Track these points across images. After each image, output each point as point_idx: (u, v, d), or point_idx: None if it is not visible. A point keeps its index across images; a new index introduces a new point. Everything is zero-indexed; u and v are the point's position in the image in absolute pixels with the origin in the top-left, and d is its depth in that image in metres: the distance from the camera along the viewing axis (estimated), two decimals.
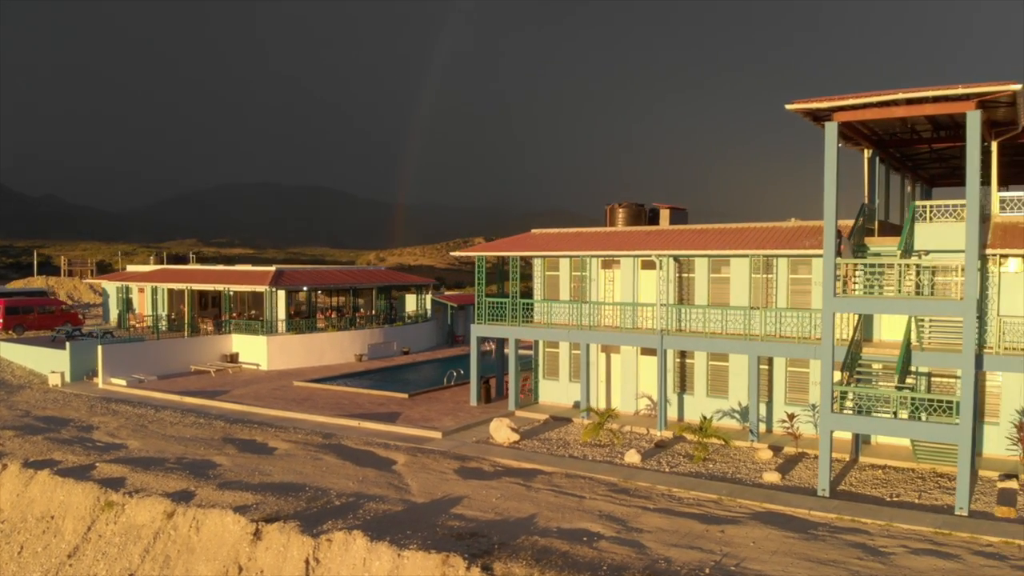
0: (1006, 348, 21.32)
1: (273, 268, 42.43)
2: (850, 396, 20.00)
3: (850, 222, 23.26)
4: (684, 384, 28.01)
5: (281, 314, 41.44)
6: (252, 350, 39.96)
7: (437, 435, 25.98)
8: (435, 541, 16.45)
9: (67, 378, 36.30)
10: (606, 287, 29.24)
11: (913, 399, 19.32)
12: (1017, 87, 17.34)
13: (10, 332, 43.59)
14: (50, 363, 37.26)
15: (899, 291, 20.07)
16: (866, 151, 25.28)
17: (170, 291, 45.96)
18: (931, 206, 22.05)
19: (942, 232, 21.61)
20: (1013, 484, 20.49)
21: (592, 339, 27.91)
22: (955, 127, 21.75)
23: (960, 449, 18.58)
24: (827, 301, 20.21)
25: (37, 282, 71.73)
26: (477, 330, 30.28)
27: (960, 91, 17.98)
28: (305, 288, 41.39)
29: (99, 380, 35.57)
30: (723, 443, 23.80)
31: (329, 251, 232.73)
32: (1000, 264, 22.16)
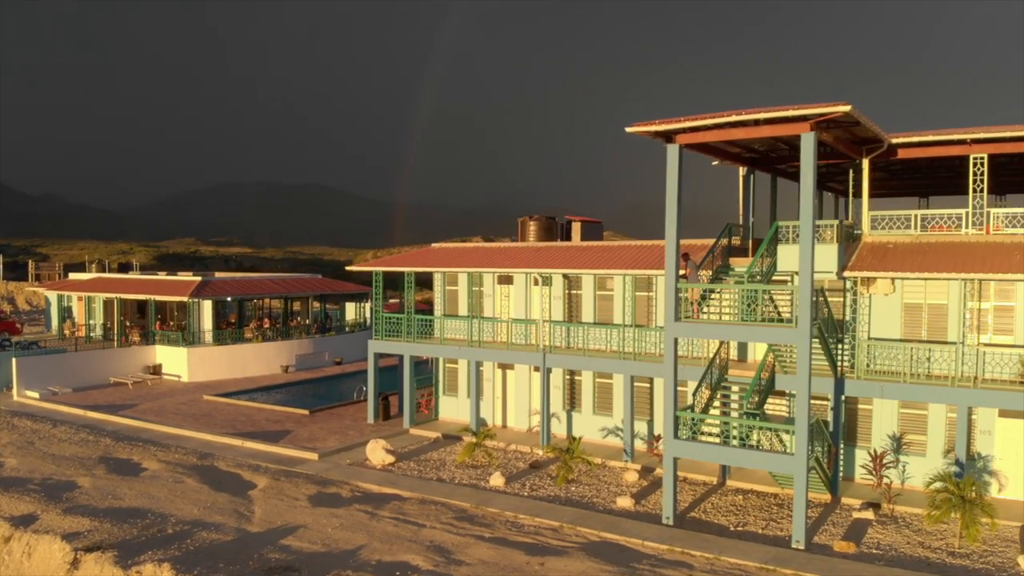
0: (874, 372, 20.89)
1: (198, 278, 42.20)
2: (689, 422, 19.62)
3: (723, 240, 22.92)
4: (573, 401, 27.69)
5: (208, 324, 41.25)
6: (174, 362, 39.81)
7: (314, 457, 25.72)
8: (242, 575, 16.22)
9: None
10: (502, 303, 28.92)
11: (749, 427, 18.94)
12: (847, 108, 16.93)
13: None
14: None
15: (746, 315, 19.60)
16: (741, 169, 24.88)
17: (106, 301, 45.80)
18: (792, 226, 21.67)
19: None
20: (869, 514, 20.09)
21: (479, 356, 27.61)
22: (823, 144, 21.20)
23: (795, 481, 18.21)
24: (669, 326, 19.86)
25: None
26: (374, 346, 30.01)
27: (792, 113, 17.60)
28: (229, 298, 41.17)
29: (14, 392, 35.44)
30: (588, 465, 23.39)
31: (328, 250, 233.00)
32: (869, 286, 21.72)
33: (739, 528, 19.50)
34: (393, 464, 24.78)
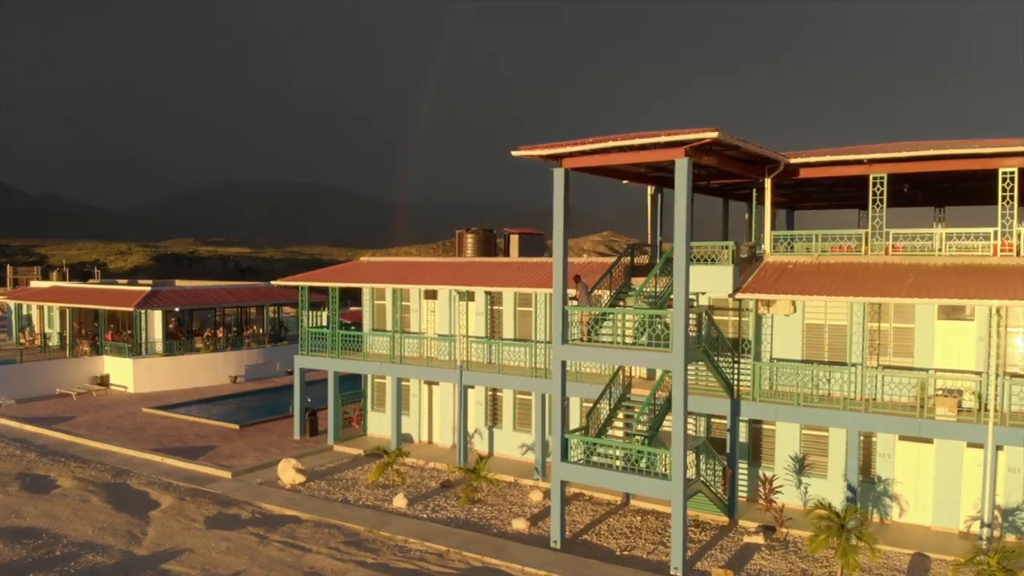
0: (774, 393, 20.81)
1: (147, 288, 42.34)
2: (576, 444, 19.63)
3: (624, 259, 22.89)
4: (495, 417, 27.71)
5: (158, 335, 41.40)
6: (121, 373, 40.00)
7: (227, 475, 25.81)
8: None
9: None
10: (427, 318, 28.94)
11: (634, 450, 18.93)
12: (714, 134, 16.88)
13: None
14: None
15: (632, 338, 19.55)
16: (649, 188, 24.86)
17: (61, 310, 46.00)
18: (694, 247, 21.64)
19: (706, 274, 21.24)
20: (760, 539, 20.06)
21: (400, 372, 27.66)
22: (742, 160, 21.09)
23: (673, 507, 18.17)
24: (556, 349, 19.86)
25: None
26: (300, 361, 30.08)
27: (664, 139, 17.57)
28: (178, 308, 41.31)
29: None
30: (492, 485, 23.37)
31: (328, 250, 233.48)
32: (769, 306, 21.66)
33: (625, 552, 19.50)
34: (303, 484, 24.83)
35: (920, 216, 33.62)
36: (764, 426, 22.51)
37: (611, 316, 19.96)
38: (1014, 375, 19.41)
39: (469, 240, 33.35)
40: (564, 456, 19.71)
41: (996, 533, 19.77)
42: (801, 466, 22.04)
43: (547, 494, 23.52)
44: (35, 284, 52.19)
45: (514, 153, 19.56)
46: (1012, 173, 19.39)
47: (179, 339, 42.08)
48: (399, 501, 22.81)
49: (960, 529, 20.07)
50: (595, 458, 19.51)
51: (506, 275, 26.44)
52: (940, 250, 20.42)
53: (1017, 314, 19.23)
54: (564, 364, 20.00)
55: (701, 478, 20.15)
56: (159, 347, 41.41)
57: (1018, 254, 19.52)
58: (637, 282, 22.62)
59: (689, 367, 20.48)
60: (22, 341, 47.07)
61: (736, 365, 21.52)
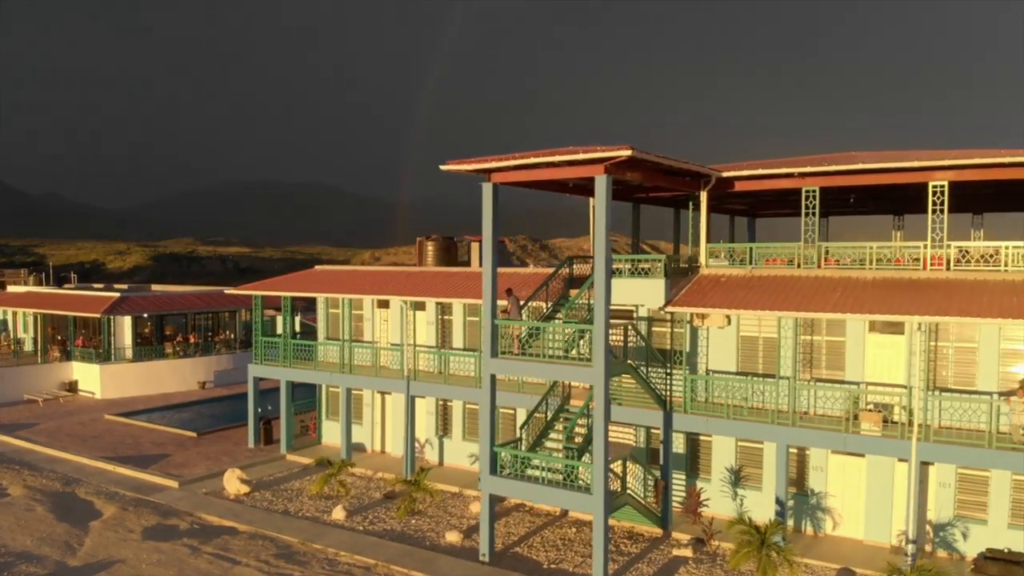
0: (711, 405, 20.84)
1: (117, 294, 42.55)
2: (504, 456, 19.74)
3: (563, 271, 22.98)
4: (446, 427, 27.83)
5: (127, 340, 41.60)
6: (89, 378, 40.22)
7: (174, 485, 25.98)
8: None
9: None
10: (380, 327, 29.07)
11: (551, 464, 19.03)
12: (628, 152, 16.99)
13: None
14: None
15: (568, 351, 19.64)
16: (591, 200, 24.94)
17: (35, 315, 46.24)
18: (623, 259, 21.75)
19: (639, 286, 21.36)
20: (689, 552, 20.15)
21: (350, 382, 27.79)
22: (671, 174, 21.11)
23: (594, 521, 18.27)
24: (485, 362, 19.98)
25: None
26: (253, 370, 30.23)
27: (582, 156, 17.67)
28: (146, 315, 41.52)
29: None
30: (431, 496, 23.45)
31: (327, 249, 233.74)
32: (704, 319, 21.72)
33: (553, 566, 19.60)
34: (247, 494, 24.97)
35: (881, 224, 33.74)
36: (701, 438, 22.59)
37: (541, 329, 20.04)
38: (944, 390, 19.47)
39: (429, 248, 33.47)
40: (493, 469, 19.83)
41: (928, 548, 19.88)
42: (737, 478, 22.12)
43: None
44: (12, 289, 52.43)
45: (442, 167, 19.69)
46: (941, 187, 19.45)
47: (150, 345, 42.26)
48: (338, 513, 22.93)
49: (892, 543, 20.12)
50: (528, 471, 19.60)
51: (455, 285, 26.54)
52: (870, 264, 20.46)
53: (947, 329, 19.26)
54: (494, 378, 20.10)
55: (629, 490, 20.25)
56: (128, 353, 41.60)
57: (948, 268, 19.55)
58: (575, 294, 22.72)
59: (622, 379, 20.65)
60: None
61: (669, 377, 21.60)
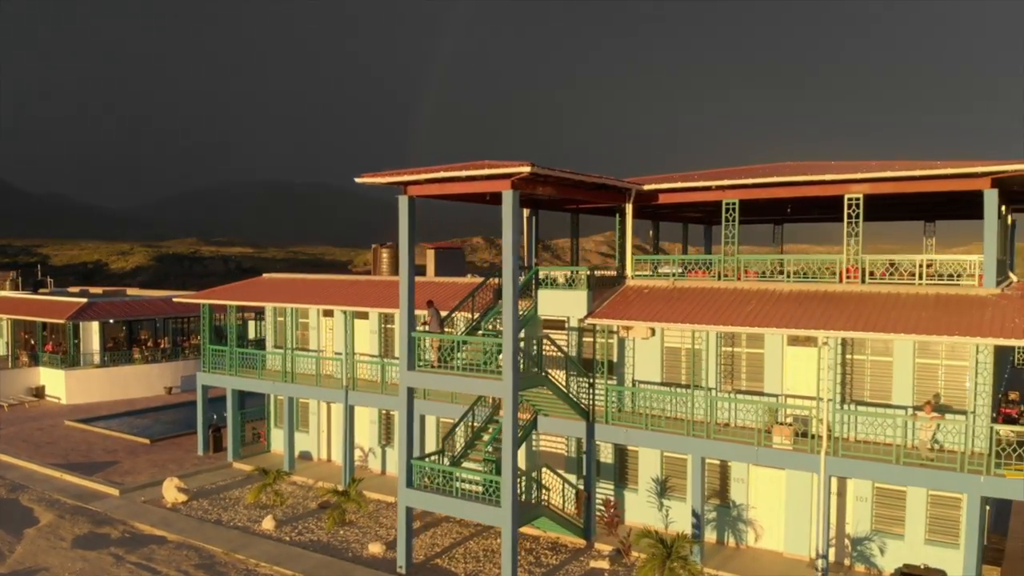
0: (634, 416, 20.95)
1: (84, 300, 42.96)
2: (418, 469, 19.95)
3: (492, 280, 23.13)
4: (388, 436, 28.06)
5: (95, 346, 42.02)
6: (55, 384, 40.63)
7: (115, 492, 26.31)
8: None
9: None
10: (326, 335, 29.31)
11: (462, 478, 19.24)
12: (527, 168, 17.18)
13: None
14: None
15: (488, 364, 19.80)
16: (525, 211, 25.16)
17: (8, 320, 46.69)
18: (550, 272, 21.93)
19: (563, 298, 21.53)
20: (605, 564, 20.32)
21: (289, 391, 28.06)
22: (591, 188, 21.26)
23: (503, 533, 18.46)
24: (402, 375, 20.18)
25: None
26: (202, 378, 30.53)
27: (487, 172, 17.87)
28: (111, 320, 41.90)
29: None
30: (359, 507, 23.63)
31: (330, 250, 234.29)
32: (629, 330, 21.86)
33: None
34: (185, 503, 25.26)
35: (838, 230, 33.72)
36: (629, 448, 22.73)
37: (465, 342, 20.22)
38: (861, 403, 19.58)
39: (384, 255, 33.67)
40: (409, 482, 20.05)
41: (847, 562, 19.99)
42: (663, 489, 22.26)
43: (420, 515, 23.83)
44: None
45: (358, 180, 19.92)
46: (857, 199, 19.54)
47: (118, 350, 42.65)
48: (268, 523, 23.19)
49: (811, 556, 20.21)
50: (442, 483, 19.80)
51: (398, 295, 26.70)
52: (788, 276, 20.58)
53: (864, 342, 19.34)
54: (411, 391, 20.31)
55: (545, 501, 20.44)
56: (96, 358, 42.01)
57: (863, 280, 19.64)
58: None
59: (542, 389, 20.80)
60: None
61: (592, 388, 21.77)
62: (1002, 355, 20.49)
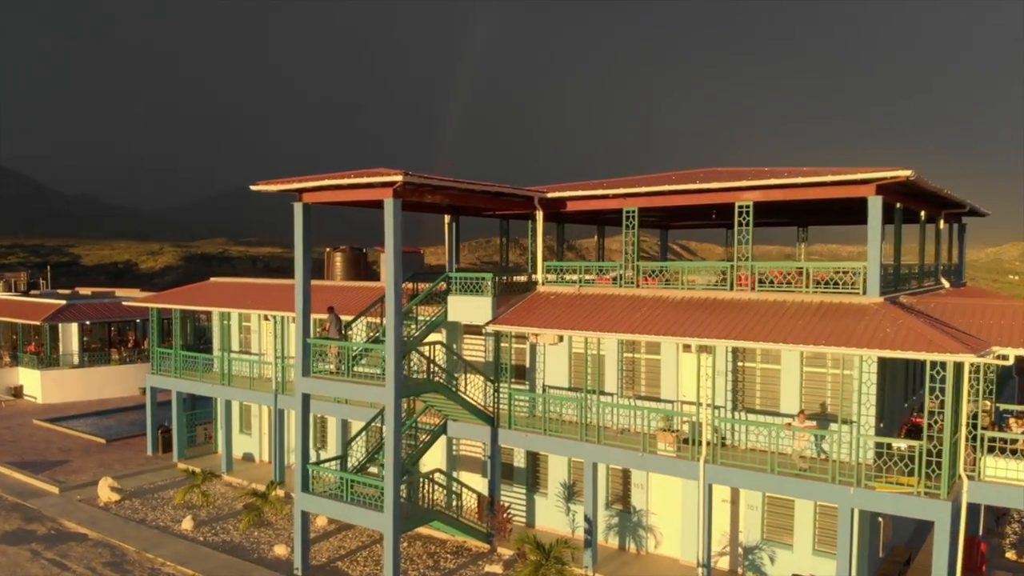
0: (545, 421, 21.27)
1: (63, 301, 44.29)
2: (315, 475, 20.51)
3: (407, 285, 23.63)
4: (323, 439, 28.67)
5: (74, 347, 43.36)
6: (32, 383, 42.01)
7: (55, 490, 27.31)
8: None
9: None
10: (267, 339, 30.02)
11: (354, 482, 19.75)
12: (399, 177, 17.63)
13: None
14: None
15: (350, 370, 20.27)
16: (446, 217, 25.58)
17: None
18: (458, 278, 22.34)
19: (469, 304, 21.94)
20: (498, 568, 20.70)
21: (224, 393, 28.84)
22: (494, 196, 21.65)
23: (385, 538, 18.97)
24: (298, 380, 20.76)
25: None
26: (150, 380, 31.46)
27: (367, 180, 18.35)
28: (88, 322, 43.20)
29: None
30: (274, 508, 24.26)
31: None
32: (538, 336, 22.18)
33: None
34: (118, 502, 26.14)
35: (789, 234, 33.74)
36: (541, 454, 23.05)
37: (346, 348, 20.72)
38: (750, 410, 19.71)
39: (337, 259, 34.30)
40: (305, 487, 20.62)
41: (740, 571, 20.15)
42: (571, 493, 22.56)
43: (331, 519, 24.38)
44: None
45: (253, 188, 20.52)
46: (747, 207, 19.66)
47: (96, 351, 43.95)
48: (187, 523, 23.93)
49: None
50: (345, 489, 20.32)
51: (327, 299, 27.29)
52: (682, 284, 20.75)
53: (755, 350, 19.43)
54: (307, 396, 20.89)
55: (438, 506, 20.86)
56: (75, 359, 43.33)
57: (753, 288, 19.76)
58: (424, 310, 23.20)
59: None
60: None
61: (496, 393, 22.16)
62: (907, 365, 20.45)
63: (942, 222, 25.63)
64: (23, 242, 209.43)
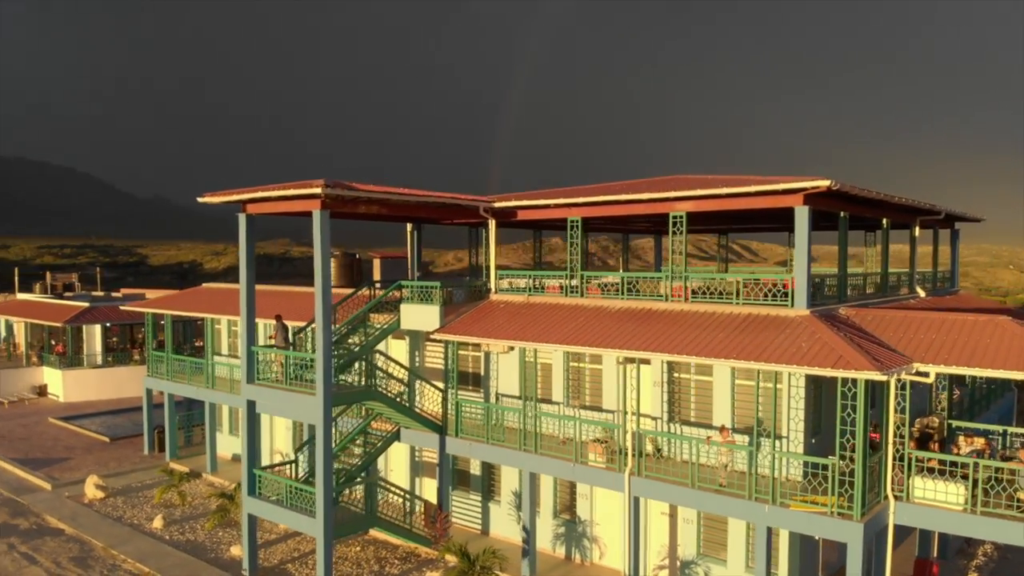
0: (499, 429, 21.64)
1: (85, 304, 46.39)
2: (259, 478, 21.27)
3: (363, 292, 24.26)
4: (302, 442, 29.49)
5: (97, 347, 45.47)
6: (55, 382, 44.21)
7: (47, 487, 28.86)
8: None
9: None
10: None
11: (292, 487, 20.43)
12: (318, 189, 18.22)
13: None
14: None
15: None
16: (408, 225, 26.10)
17: (25, 323, 50.84)
18: (412, 286, 22.84)
19: (418, 312, 22.45)
20: (436, 574, 21.08)
21: (209, 396, 29.98)
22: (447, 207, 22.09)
23: (317, 544, 19.59)
24: (244, 388, 21.56)
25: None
26: (147, 382, 32.86)
27: (294, 192, 18.96)
28: (109, 324, 45.21)
29: None
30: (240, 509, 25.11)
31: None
32: (491, 344, 22.48)
33: None
34: (101, 499, 27.49)
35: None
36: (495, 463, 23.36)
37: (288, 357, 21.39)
38: (685, 423, 19.67)
39: (331, 264, 35.17)
40: (251, 490, 21.41)
41: None
42: (522, 502, 22.78)
43: None
44: (21, 296, 57.67)
45: (200, 199, 21.39)
46: (681, 217, 19.62)
47: (120, 351, 45.99)
48: (158, 522, 25.05)
49: (649, 575, 20.44)
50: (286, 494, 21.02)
51: (302, 305, 28.17)
52: (623, 294, 20.80)
53: (689, 362, 19.37)
54: (252, 403, 21.68)
55: (381, 513, 21.38)
56: (98, 359, 45.42)
57: (687, 299, 19.70)
58: (377, 318, 23.74)
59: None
60: None
61: (444, 402, 22.56)
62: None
63: (917, 229, 24.96)
64: (94, 242, 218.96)
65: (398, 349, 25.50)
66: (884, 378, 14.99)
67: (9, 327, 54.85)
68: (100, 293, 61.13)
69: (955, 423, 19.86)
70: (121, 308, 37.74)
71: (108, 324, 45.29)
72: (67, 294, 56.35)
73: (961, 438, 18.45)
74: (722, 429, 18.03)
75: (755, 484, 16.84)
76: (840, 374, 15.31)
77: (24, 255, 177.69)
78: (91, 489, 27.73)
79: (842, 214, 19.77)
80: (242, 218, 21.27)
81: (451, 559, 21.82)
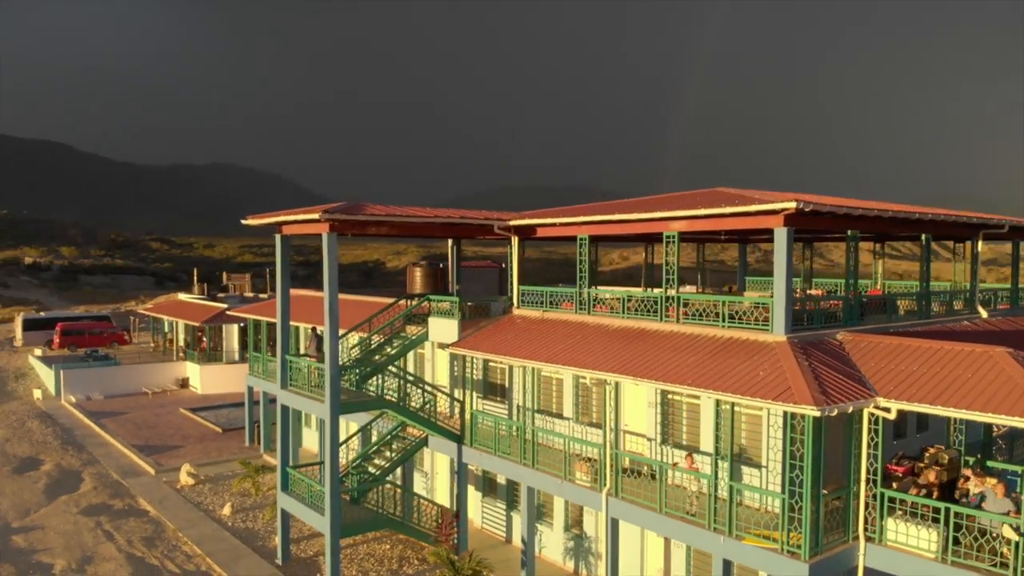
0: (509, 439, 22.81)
1: (224, 305, 51.56)
2: (290, 476, 23.52)
3: (402, 303, 26.00)
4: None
5: (234, 344, 50.66)
6: (195, 376, 49.73)
7: (151, 471, 32.98)
8: None
9: (51, 392, 48.55)
10: None
11: (309, 487, 22.49)
12: (316, 215, 20.08)
13: (66, 349, 57.75)
14: (50, 380, 49.91)
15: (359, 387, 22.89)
16: (449, 241, 27.46)
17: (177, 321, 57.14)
18: (436, 301, 24.40)
19: (442, 326, 24.00)
20: None
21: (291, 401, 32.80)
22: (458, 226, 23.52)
23: (326, 539, 21.53)
24: (278, 392, 23.93)
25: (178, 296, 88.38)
26: (249, 380, 36.53)
27: (302, 216, 20.95)
28: (242, 324, 50.08)
29: (62, 397, 47.33)
30: None
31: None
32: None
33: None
34: (192, 486, 31.10)
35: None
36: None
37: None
38: (677, 446, 19.77)
39: (417, 274, 37.28)
40: (284, 487, 23.74)
41: None
42: (540, 513, 23.67)
43: None
44: (183, 297, 64.75)
45: (243, 221, 23.92)
46: (673, 237, 19.71)
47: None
48: (226, 509, 28.15)
49: None
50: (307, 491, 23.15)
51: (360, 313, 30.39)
52: (623, 312, 21.12)
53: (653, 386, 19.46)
54: (287, 408, 24.06)
55: (387, 513, 23.00)
56: (236, 355, 50.56)
57: (678, 320, 19.75)
58: (412, 329, 25.42)
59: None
60: (153, 346, 59.47)
61: (461, 412, 23.83)
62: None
63: (980, 243, 23.20)
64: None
65: (441, 359, 27.08)
66: (817, 413, 14.59)
67: (170, 325, 61.82)
68: (264, 296, 67.37)
69: (970, 458, 18.63)
70: (227, 313, 41.94)
71: (242, 324, 50.21)
72: (220, 295, 62.72)
73: (970, 474, 17.25)
74: (687, 456, 18.08)
75: (714, 513, 16.84)
76: (771, 405, 15.16)
77: (227, 253, 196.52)
78: (184, 476, 31.42)
79: (848, 232, 19.10)
80: (278, 239, 23.59)
81: (431, 559, 23.08)
